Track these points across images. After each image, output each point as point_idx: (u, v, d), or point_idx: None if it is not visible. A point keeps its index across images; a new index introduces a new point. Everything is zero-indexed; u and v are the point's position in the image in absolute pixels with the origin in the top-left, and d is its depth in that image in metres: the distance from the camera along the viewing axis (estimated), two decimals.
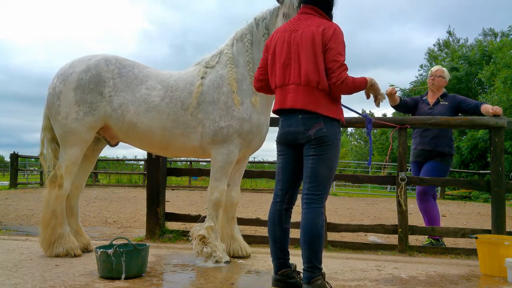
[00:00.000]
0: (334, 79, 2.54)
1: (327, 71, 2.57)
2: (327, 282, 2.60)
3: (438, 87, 4.82)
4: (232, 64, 3.59)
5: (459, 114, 4.79)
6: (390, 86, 4.71)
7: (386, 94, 4.68)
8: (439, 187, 16.53)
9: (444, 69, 4.96)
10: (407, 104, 4.92)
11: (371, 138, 3.56)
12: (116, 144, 3.97)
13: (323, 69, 2.56)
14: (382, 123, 4.48)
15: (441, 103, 4.72)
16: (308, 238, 2.50)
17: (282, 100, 2.67)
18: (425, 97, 4.91)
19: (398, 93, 4.86)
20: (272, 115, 3.90)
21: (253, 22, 3.63)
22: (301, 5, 2.79)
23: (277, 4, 3.51)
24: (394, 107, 4.95)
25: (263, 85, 2.90)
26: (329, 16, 2.76)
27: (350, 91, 2.60)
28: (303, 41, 2.61)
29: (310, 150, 2.59)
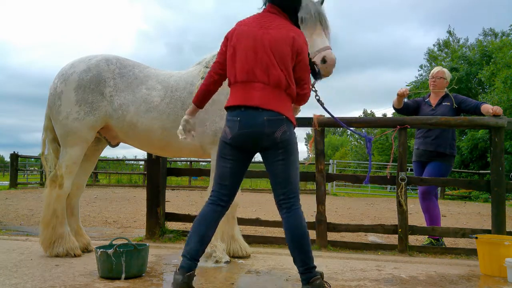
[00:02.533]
0: (306, 90, 2.64)
1: (300, 80, 2.61)
2: (326, 282, 2.59)
3: (439, 89, 4.83)
4: None
5: (462, 114, 4.80)
6: (406, 86, 4.72)
7: (398, 94, 4.72)
8: (439, 187, 16.52)
9: (445, 70, 4.96)
10: (409, 107, 4.94)
11: (371, 156, 3.59)
12: (117, 145, 3.98)
13: (291, 74, 2.56)
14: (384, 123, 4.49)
15: (443, 104, 4.74)
16: (298, 241, 2.48)
17: (246, 96, 2.53)
18: (427, 99, 4.92)
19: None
20: None
21: None
22: (268, 4, 2.72)
23: None
24: (396, 110, 4.95)
25: (216, 79, 2.74)
26: (292, 22, 2.73)
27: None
28: (274, 41, 2.55)
29: (277, 155, 2.54)
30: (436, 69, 4.99)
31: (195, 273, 2.57)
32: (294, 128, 2.66)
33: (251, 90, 2.53)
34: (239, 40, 2.61)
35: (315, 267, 2.51)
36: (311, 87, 3.04)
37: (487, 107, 4.41)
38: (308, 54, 2.75)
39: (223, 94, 3.52)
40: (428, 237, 4.68)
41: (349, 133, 47.66)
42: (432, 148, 4.64)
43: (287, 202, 2.55)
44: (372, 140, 3.57)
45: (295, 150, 2.58)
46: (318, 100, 3.39)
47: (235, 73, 2.59)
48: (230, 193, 2.68)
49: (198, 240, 2.57)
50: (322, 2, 3.33)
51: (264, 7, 2.76)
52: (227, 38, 2.69)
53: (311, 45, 3.07)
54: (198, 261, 2.58)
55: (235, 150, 2.59)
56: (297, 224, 2.50)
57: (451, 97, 4.76)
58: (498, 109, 4.30)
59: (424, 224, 4.73)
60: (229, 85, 2.67)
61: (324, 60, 3.02)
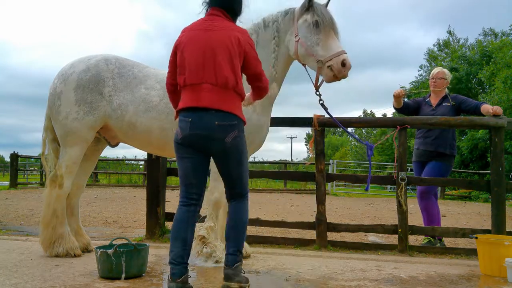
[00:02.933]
0: (264, 84, 2.82)
1: (255, 75, 2.76)
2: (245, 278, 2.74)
3: (440, 89, 4.83)
4: None
5: (462, 114, 4.80)
6: (400, 88, 4.74)
7: (394, 96, 4.74)
8: (439, 187, 16.52)
9: (445, 70, 4.96)
10: (409, 106, 4.96)
11: (371, 163, 3.63)
12: (117, 145, 3.98)
13: (239, 72, 2.68)
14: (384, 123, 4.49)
15: (443, 104, 4.74)
16: (240, 229, 2.72)
17: (195, 98, 2.61)
18: (428, 99, 4.92)
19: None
20: (273, 114, 3.92)
21: (260, 23, 3.58)
22: (211, 7, 2.81)
23: (292, 7, 3.49)
24: (396, 109, 4.97)
25: (172, 90, 2.87)
26: (234, 22, 2.87)
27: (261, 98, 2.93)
28: (220, 42, 2.64)
29: (227, 158, 2.67)
30: (436, 69, 5.00)
31: (189, 275, 2.66)
32: (245, 124, 2.73)
33: (200, 92, 2.61)
34: (186, 46, 2.69)
35: (242, 254, 2.75)
36: (316, 91, 3.39)
37: (487, 107, 4.41)
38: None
39: None
40: (426, 236, 4.68)
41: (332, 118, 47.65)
42: (432, 148, 4.65)
43: (236, 197, 2.76)
44: (373, 148, 3.62)
45: (244, 152, 2.71)
46: (322, 105, 3.51)
47: (185, 77, 2.66)
48: (198, 191, 2.73)
49: (181, 244, 2.62)
50: (326, 5, 3.39)
51: (205, 11, 2.86)
52: (176, 46, 2.77)
53: (327, 49, 3.20)
54: (187, 263, 2.63)
55: (189, 149, 2.66)
56: (241, 216, 2.75)
57: (450, 97, 4.77)
58: (498, 109, 4.30)
59: (423, 223, 4.73)
60: (180, 88, 2.75)
61: (343, 64, 3.15)
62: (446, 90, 4.92)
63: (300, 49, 3.34)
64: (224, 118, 2.59)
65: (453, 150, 4.70)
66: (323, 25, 3.24)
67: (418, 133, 4.86)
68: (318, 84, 3.39)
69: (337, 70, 3.18)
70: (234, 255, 2.68)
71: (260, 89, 2.84)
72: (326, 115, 4.50)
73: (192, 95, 2.63)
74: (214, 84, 2.60)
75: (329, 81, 3.29)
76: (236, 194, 2.76)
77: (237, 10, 2.87)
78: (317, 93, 3.45)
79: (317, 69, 3.28)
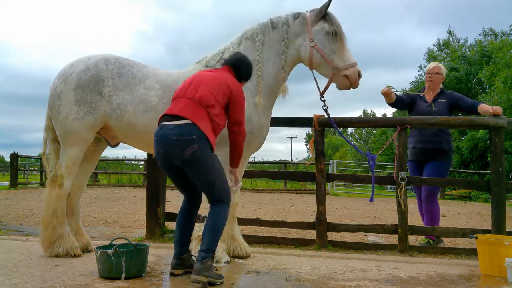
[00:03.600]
0: (242, 133, 3.07)
1: (236, 122, 3.03)
2: (215, 267, 2.94)
3: (436, 84, 4.82)
4: None
5: (460, 114, 4.80)
6: (386, 86, 4.72)
7: (382, 93, 4.75)
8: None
9: (441, 65, 4.93)
10: (403, 100, 4.91)
11: (374, 172, 3.70)
12: (117, 145, 3.97)
13: (220, 101, 2.93)
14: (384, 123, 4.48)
15: (439, 100, 4.72)
16: (215, 230, 2.88)
17: (171, 108, 2.96)
18: (422, 94, 4.89)
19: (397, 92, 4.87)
20: (273, 114, 3.92)
21: (267, 23, 3.64)
22: (224, 64, 3.25)
23: (300, 11, 3.64)
24: (390, 104, 4.93)
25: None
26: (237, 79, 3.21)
27: (239, 149, 3.12)
28: (212, 77, 3.02)
29: (192, 170, 2.87)
30: (432, 64, 4.94)
31: (189, 257, 3.10)
32: (210, 142, 2.87)
33: (178, 103, 2.94)
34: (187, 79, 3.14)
35: (214, 253, 2.88)
36: (321, 97, 3.69)
37: (485, 107, 4.40)
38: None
39: None
40: (425, 237, 4.67)
41: (349, 133, 47.68)
42: (430, 146, 4.63)
43: (214, 203, 2.94)
44: (375, 158, 3.71)
45: (210, 162, 2.86)
46: (326, 111, 3.82)
47: (174, 95, 3.07)
48: (191, 192, 3.12)
49: (179, 230, 3.09)
50: (328, 5, 3.57)
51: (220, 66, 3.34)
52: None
53: (343, 59, 3.51)
54: (185, 246, 3.10)
55: (162, 164, 2.96)
56: (217, 219, 2.91)
57: (446, 94, 4.76)
58: (498, 109, 4.30)
59: (423, 224, 4.73)
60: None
61: (360, 75, 3.53)
62: (441, 85, 4.90)
63: (316, 55, 3.54)
64: (182, 132, 2.78)
65: (450, 144, 4.70)
66: (340, 36, 3.51)
67: (413, 131, 4.80)
68: (322, 90, 3.67)
69: (353, 80, 3.52)
70: (204, 252, 2.82)
71: (237, 134, 3.07)
72: (326, 115, 4.52)
73: (170, 106, 2.98)
74: (191, 98, 2.92)
75: (342, 89, 3.59)
76: (213, 200, 2.94)
77: (242, 71, 3.22)
78: (322, 98, 3.71)
79: (331, 75, 3.53)
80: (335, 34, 3.50)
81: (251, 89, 3.56)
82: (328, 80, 3.59)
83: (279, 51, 3.61)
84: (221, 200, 2.93)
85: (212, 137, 2.91)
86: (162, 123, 2.91)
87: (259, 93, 3.55)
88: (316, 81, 3.69)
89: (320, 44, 3.52)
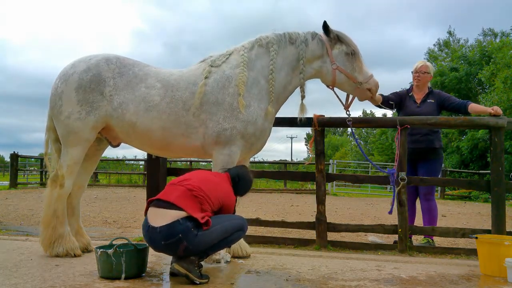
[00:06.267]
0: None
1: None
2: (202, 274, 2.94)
3: (423, 84, 4.80)
4: (245, 67, 3.58)
5: (457, 114, 4.80)
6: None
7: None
8: (438, 187, 16.53)
9: (429, 64, 4.89)
10: (390, 100, 4.83)
11: (395, 188, 4.17)
12: (118, 145, 3.96)
13: (214, 209, 2.97)
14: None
15: (428, 101, 4.72)
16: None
17: (165, 192, 3.00)
18: (411, 93, 4.87)
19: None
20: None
21: (285, 36, 3.74)
22: (226, 172, 3.33)
23: (313, 31, 3.81)
24: (378, 106, 4.83)
25: None
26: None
27: None
28: (211, 178, 3.09)
29: (193, 251, 2.87)
30: (419, 63, 4.88)
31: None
32: (200, 222, 2.83)
33: (174, 190, 2.94)
34: None
35: (206, 256, 3.02)
36: (347, 111, 4.05)
37: (479, 107, 4.44)
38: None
39: (228, 94, 3.51)
40: (424, 237, 4.67)
41: (349, 133, 47.63)
42: (423, 145, 4.65)
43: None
44: (395, 172, 3.91)
45: (203, 244, 2.85)
46: (350, 124, 4.24)
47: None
48: None
49: None
50: (324, 26, 3.76)
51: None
52: None
53: (363, 73, 3.75)
54: None
55: None
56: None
57: (435, 94, 4.74)
58: (498, 109, 4.30)
59: (422, 223, 4.73)
60: None
61: (377, 86, 3.83)
62: (429, 84, 4.88)
63: (339, 75, 3.75)
64: (168, 235, 2.77)
65: (441, 142, 4.76)
66: (357, 53, 3.75)
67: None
68: (347, 104, 3.97)
69: (375, 92, 3.82)
70: None
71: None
72: (327, 115, 4.54)
73: (165, 189, 3.04)
74: (184, 186, 2.94)
75: (363, 100, 3.88)
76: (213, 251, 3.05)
77: (240, 187, 3.26)
78: (348, 112, 4.04)
79: (355, 90, 3.78)
80: (353, 54, 3.72)
81: (257, 94, 3.57)
82: (352, 95, 3.89)
83: (293, 66, 3.73)
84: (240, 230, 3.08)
85: (200, 215, 2.86)
86: (150, 224, 2.91)
87: (271, 102, 3.62)
88: (338, 98, 3.96)
89: (342, 65, 3.73)
